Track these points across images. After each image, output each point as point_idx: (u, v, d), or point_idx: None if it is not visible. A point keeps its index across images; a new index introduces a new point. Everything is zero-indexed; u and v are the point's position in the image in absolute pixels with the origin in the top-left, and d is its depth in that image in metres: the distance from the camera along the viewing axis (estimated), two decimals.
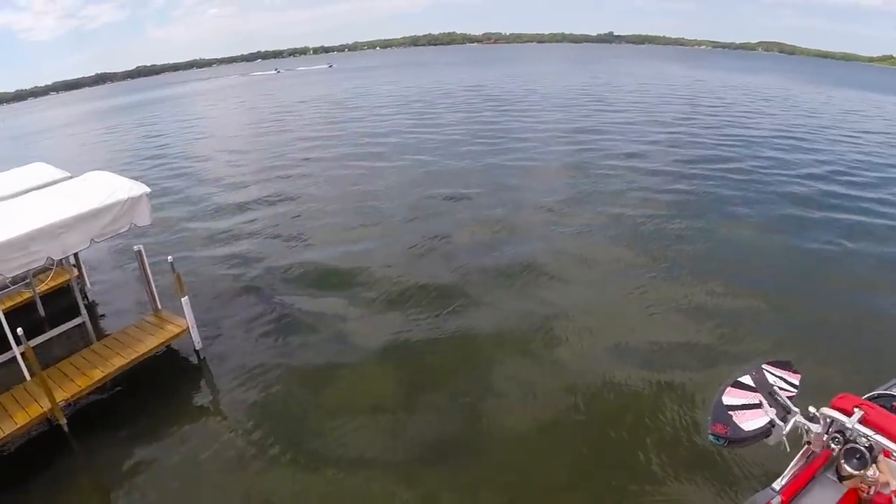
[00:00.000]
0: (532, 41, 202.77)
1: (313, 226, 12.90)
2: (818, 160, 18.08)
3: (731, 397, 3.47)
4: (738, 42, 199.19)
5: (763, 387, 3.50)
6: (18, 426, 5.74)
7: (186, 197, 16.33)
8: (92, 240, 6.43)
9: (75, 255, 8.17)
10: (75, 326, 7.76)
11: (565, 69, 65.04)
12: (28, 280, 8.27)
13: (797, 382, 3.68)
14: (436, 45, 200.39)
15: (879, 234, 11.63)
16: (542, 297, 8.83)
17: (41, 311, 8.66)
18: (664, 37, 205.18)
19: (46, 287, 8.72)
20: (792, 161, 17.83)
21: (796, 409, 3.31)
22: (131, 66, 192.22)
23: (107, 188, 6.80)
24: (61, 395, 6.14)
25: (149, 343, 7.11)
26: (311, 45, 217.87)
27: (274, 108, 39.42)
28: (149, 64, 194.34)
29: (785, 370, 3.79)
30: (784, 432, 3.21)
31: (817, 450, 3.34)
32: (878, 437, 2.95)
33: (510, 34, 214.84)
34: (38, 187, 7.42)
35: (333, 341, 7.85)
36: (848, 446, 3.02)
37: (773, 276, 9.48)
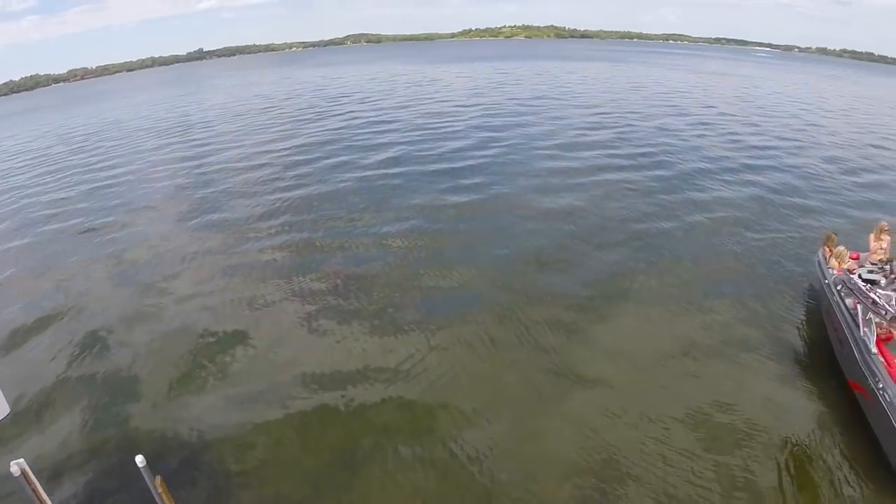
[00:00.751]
0: (121, 70, 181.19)
1: None
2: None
3: None
4: (327, 39, 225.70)
5: None
6: None
7: None
8: None
9: None
10: None
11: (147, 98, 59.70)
12: None
13: None
14: (18, 91, 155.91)
15: None
16: None
17: None
18: (254, 45, 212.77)
19: None
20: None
21: None
22: None
23: None
24: None
25: None
26: None
27: None
28: None
29: None
30: None
31: None
32: None
33: (97, 67, 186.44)
34: None
35: None
36: None
37: None
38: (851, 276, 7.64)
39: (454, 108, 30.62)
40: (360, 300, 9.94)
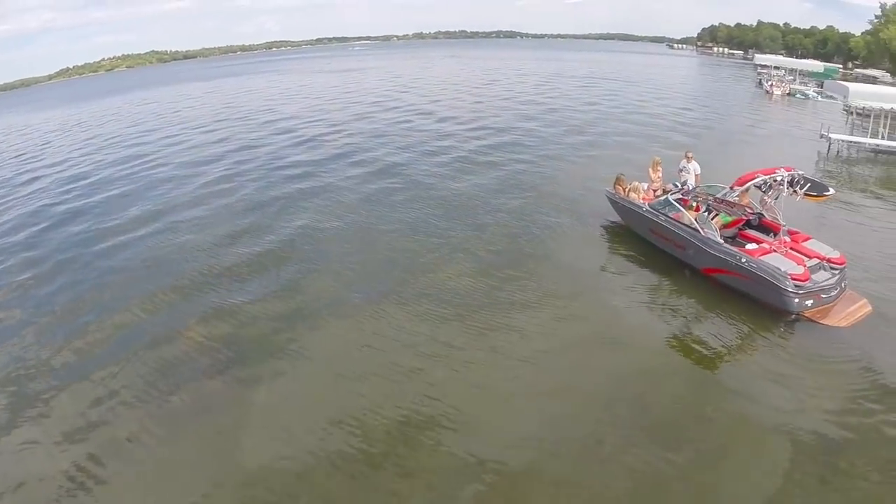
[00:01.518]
0: None
1: None
2: None
3: None
4: None
5: None
6: None
7: None
8: None
9: None
10: None
11: None
12: None
13: None
14: None
15: None
16: None
17: None
18: None
19: None
20: None
21: None
22: None
23: None
24: None
25: None
26: None
27: None
28: None
29: None
30: None
31: None
32: None
33: None
34: None
35: None
36: None
37: None
38: (669, 198, 10.47)
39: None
40: None
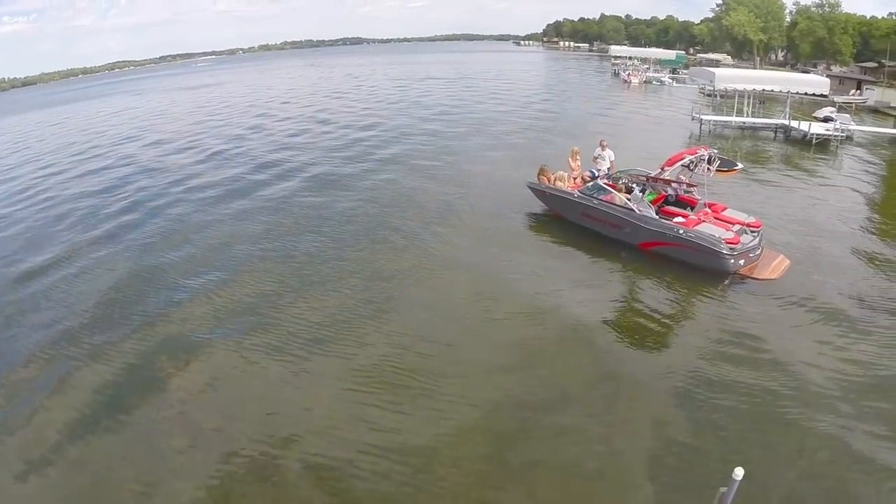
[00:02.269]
0: None
1: None
2: None
3: None
4: None
5: None
6: None
7: None
8: None
9: None
10: None
11: None
12: None
13: None
14: None
15: None
16: None
17: None
18: None
19: None
20: None
21: None
22: None
23: None
24: None
25: None
26: None
27: None
28: None
29: None
30: None
31: None
32: None
33: None
34: None
35: None
36: None
37: None
38: (599, 182, 10.74)
39: None
40: None
